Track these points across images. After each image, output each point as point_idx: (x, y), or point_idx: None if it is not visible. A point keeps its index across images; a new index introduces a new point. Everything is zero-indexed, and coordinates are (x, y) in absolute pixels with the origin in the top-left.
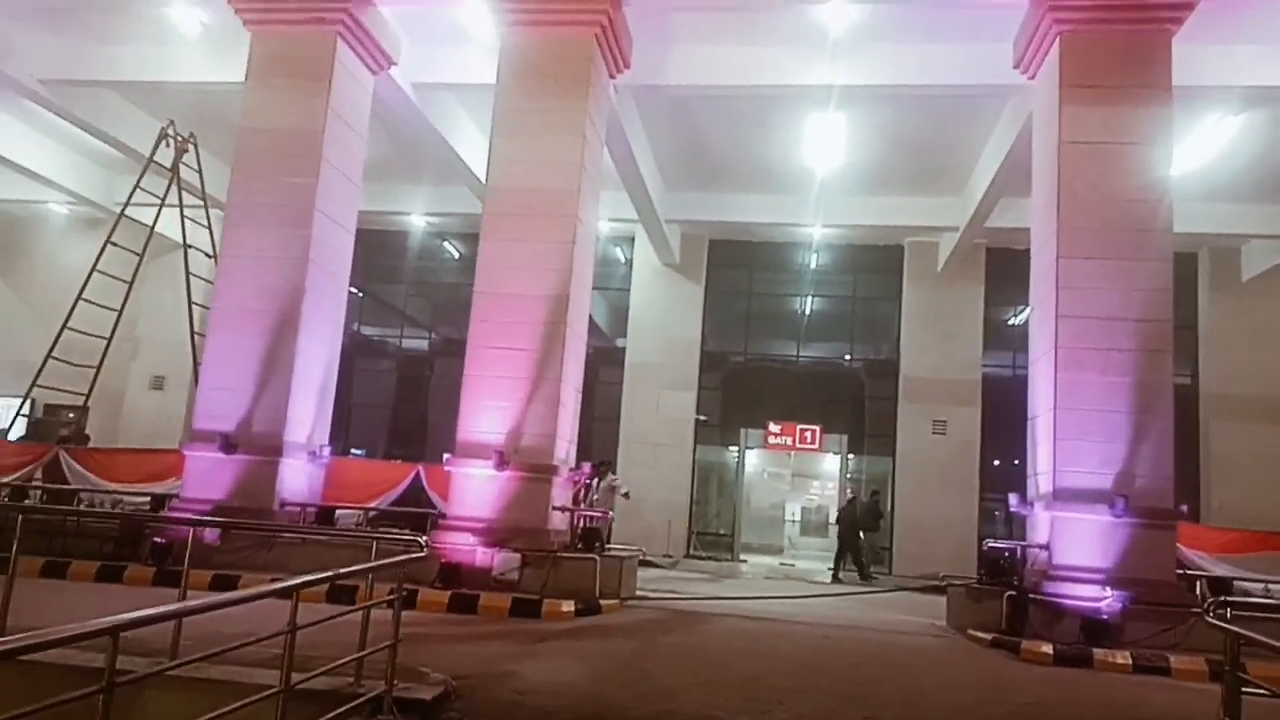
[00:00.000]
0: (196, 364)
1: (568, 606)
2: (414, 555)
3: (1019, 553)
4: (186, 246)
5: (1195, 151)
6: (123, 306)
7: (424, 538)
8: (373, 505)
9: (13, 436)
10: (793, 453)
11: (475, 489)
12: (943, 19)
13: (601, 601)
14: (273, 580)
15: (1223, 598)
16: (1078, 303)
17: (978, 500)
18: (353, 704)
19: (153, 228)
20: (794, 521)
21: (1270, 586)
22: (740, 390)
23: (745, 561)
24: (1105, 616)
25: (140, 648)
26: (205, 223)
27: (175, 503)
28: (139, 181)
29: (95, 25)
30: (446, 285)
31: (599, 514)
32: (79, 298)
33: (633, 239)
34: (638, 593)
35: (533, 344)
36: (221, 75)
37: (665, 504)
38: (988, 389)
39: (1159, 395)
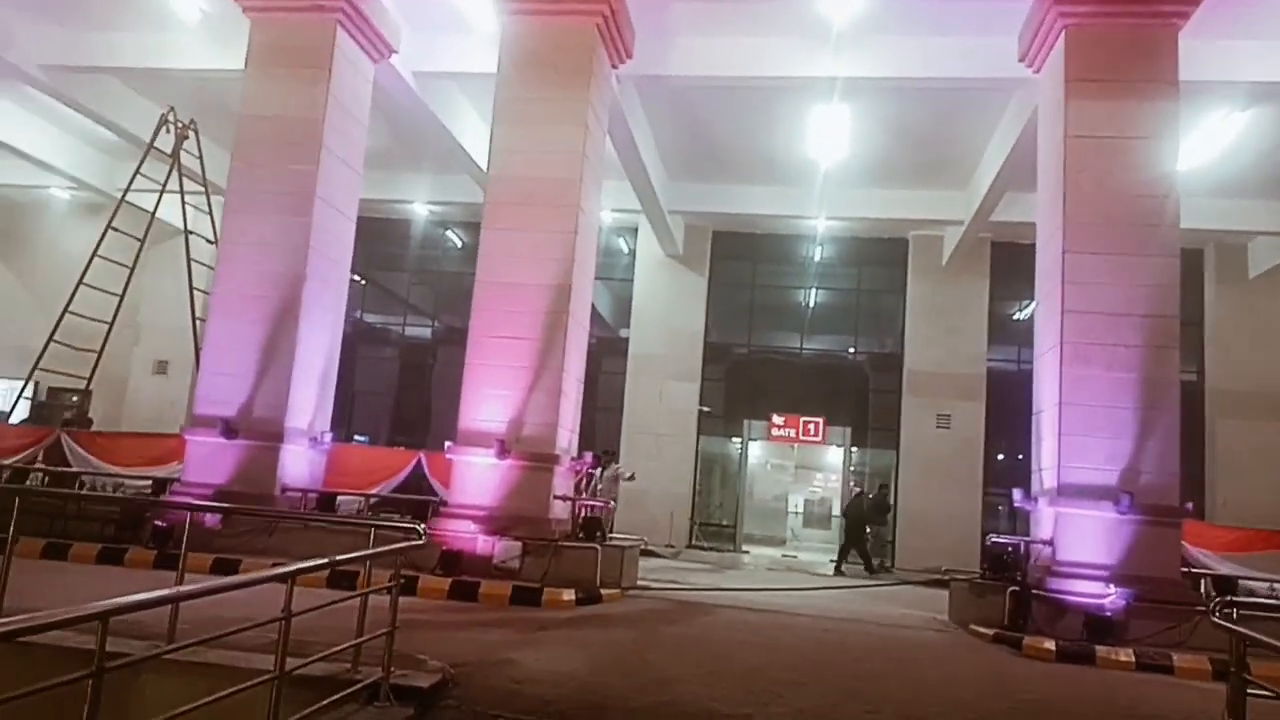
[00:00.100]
0: (198, 349)
1: (568, 595)
2: (413, 543)
3: (1022, 548)
4: (188, 232)
5: (1202, 147)
6: (124, 291)
7: (423, 525)
8: (374, 492)
9: (15, 419)
10: (796, 445)
11: (477, 477)
12: (948, 11)
13: (602, 591)
14: (273, 565)
15: (1229, 597)
16: (1083, 298)
17: (981, 495)
18: (349, 690)
19: (154, 213)
20: (797, 513)
21: (1276, 586)
22: (744, 382)
23: (747, 553)
24: (1109, 613)
25: (138, 631)
26: (206, 209)
27: (176, 487)
28: (139, 167)
29: (96, 12)
30: (449, 274)
31: (600, 503)
32: (80, 282)
33: (636, 230)
34: (639, 582)
35: (534, 333)
36: (221, 63)
37: (668, 494)
38: (992, 383)
39: (1165, 391)
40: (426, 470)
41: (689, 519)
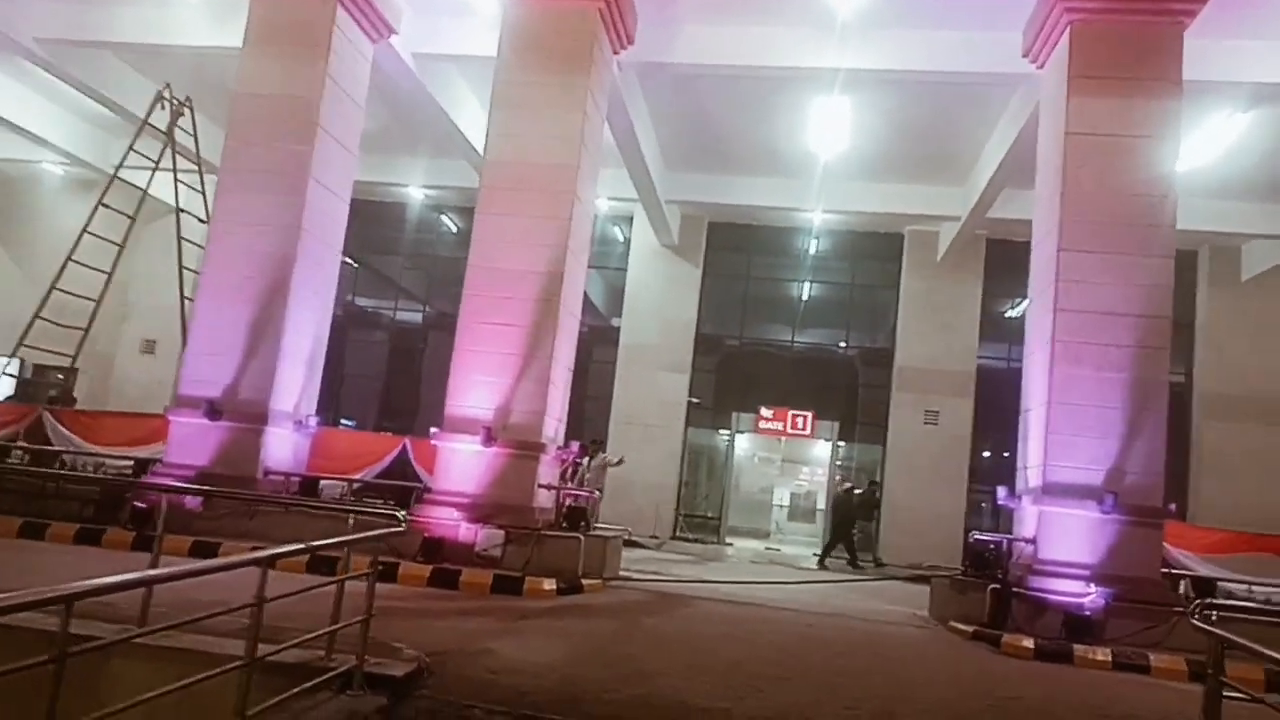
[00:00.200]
0: (186, 329)
1: (550, 585)
2: (393, 529)
3: (1005, 546)
4: (179, 211)
5: (1202, 147)
6: (113, 269)
7: (403, 512)
8: (358, 477)
9: None
10: (784, 438)
11: (461, 464)
12: (953, 5)
13: (584, 581)
14: (253, 549)
15: (1208, 599)
16: (1077, 296)
17: (966, 492)
18: (322, 678)
19: (145, 191)
20: (782, 507)
21: (1254, 588)
22: (734, 374)
23: (731, 545)
24: (1088, 613)
25: (110, 614)
26: (199, 187)
27: (158, 468)
28: (133, 144)
29: None
30: (443, 259)
31: (586, 493)
32: (69, 258)
33: (631, 218)
34: (622, 573)
35: (525, 320)
36: (220, 40)
37: (654, 485)
38: (982, 381)
39: (1154, 393)
40: (411, 456)
41: (674, 510)
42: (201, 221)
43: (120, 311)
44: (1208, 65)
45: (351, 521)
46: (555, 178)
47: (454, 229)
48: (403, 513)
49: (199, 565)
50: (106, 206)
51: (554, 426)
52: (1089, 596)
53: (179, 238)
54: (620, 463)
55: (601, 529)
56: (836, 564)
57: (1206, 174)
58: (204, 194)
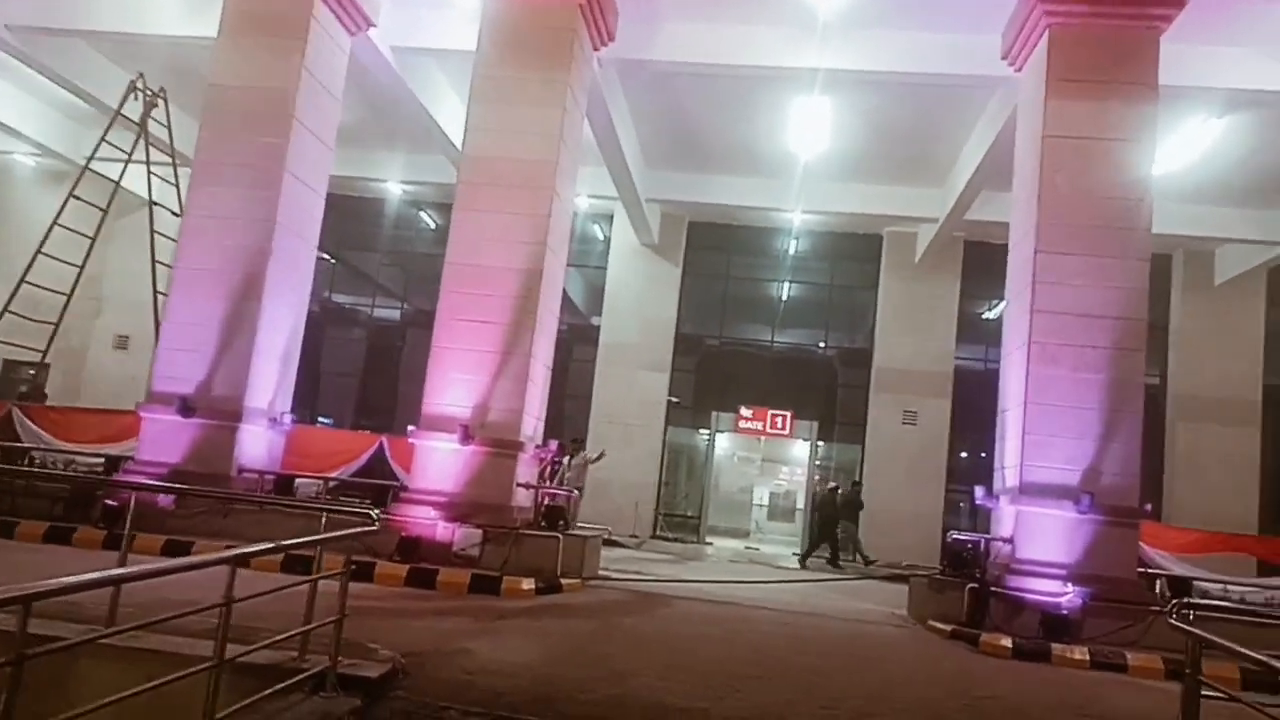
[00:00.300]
0: (158, 324)
1: (528, 584)
2: (366, 528)
3: (982, 545)
4: (152, 204)
5: (1177, 152)
6: (84, 262)
7: (377, 510)
8: (334, 475)
9: None
10: (763, 438)
11: (438, 462)
12: (933, 7)
13: (563, 580)
14: (226, 548)
15: (1185, 599)
16: (1053, 298)
17: (944, 491)
18: (294, 680)
19: (118, 183)
20: (762, 506)
21: (1229, 587)
22: (714, 373)
23: (711, 544)
24: (1065, 612)
25: (76, 614)
26: (173, 180)
27: (129, 465)
28: (105, 135)
29: None
30: (421, 255)
31: (565, 492)
32: (39, 251)
33: (611, 217)
34: (601, 572)
35: (503, 318)
36: (196, 29)
37: (634, 485)
38: (959, 381)
39: (1130, 394)
40: (388, 454)
41: (654, 510)
42: (175, 215)
43: (93, 306)
44: (1184, 70)
45: (324, 520)
46: (534, 174)
47: (432, 225)
48: (376, 511)
49: (163, 565)
50: (78, 199)
51: (532, 425)
52: (1066, 596)
53: (152, 231)
54: (601, 457)
55: (581, 528)
56: (816, 563)
57: (1182, 178)
58: (177, 187)
